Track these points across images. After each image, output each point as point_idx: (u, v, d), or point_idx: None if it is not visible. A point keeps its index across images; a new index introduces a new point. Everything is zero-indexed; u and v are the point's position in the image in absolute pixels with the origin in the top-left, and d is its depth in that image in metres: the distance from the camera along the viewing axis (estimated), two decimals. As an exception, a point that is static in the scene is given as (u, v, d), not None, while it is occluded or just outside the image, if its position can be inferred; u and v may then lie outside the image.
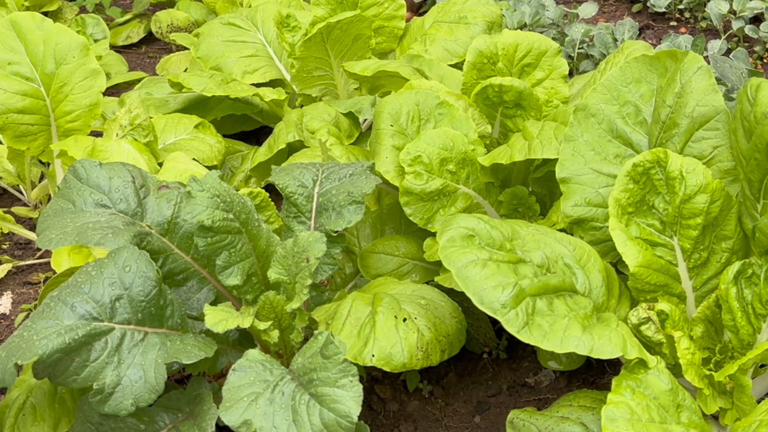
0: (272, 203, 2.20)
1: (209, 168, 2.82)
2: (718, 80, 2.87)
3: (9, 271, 2.78)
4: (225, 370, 1.94)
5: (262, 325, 1.79)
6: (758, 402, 1.76)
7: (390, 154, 2.19)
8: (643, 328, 1.76)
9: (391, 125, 2.23)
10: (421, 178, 2.10)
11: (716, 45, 3.41)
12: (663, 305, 1.76)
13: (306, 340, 1.90)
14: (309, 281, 1.79)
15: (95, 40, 3.88)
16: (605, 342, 1.58)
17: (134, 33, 4.60)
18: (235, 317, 1.73)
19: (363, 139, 2.84)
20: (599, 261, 1.81)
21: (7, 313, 2.62)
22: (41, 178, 3.06)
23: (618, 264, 1.89)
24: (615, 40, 3.43)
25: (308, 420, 1.52)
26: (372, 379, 2.21)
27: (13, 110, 2.67)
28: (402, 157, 2.11)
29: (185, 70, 3.89)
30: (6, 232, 2.85)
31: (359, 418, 1.55)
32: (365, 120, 3.05)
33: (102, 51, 3.77)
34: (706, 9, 3.72)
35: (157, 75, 4.03)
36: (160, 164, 2.65)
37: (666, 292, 1.83)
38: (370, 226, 2.41)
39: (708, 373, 1.77)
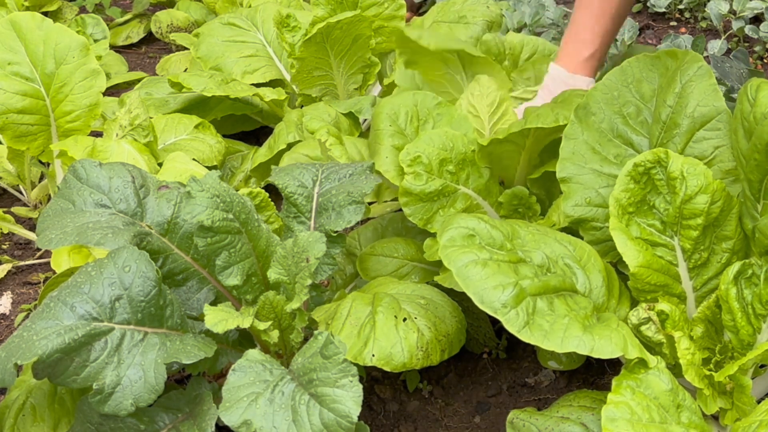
0: (272, 203, 2.20)
1: (209, 168, 2.82)
2: (719, 80, 2.87)
3: (9, 271, 2.78)
4: (225, 370, 1.94)
5: (262, 325, 1.79)
6: (758, 402, 1.76)
7: (390, 153, 2.19)
8: (643, 328, 1.76)
9: (390, 125, 2.23)
10: (420, 179, 2.10)
11: (716, 45, 3.41)
12: (663, 305, 1.76)
13: (306, 340, 1.89)
14: (309, 281, 1.79)
15: (95, 40, 3.89)
16: (605, 342, 1.58)
17: (134, 33, 4.61)
18: (235, 317, 1.73)
19: (363, 138, 2.84)
20: (599, 261, 1.81)
21: (7, 313, 2.62)
22: (41, 178, 3.06)
23: (618, 264, 1.89)
24: (615, 40, 3.43)
25: (308, 420, 1.51)
26: (372, 379, 2.21)
27: (13, 110, 2.67)
28: (401, 157, 2.11)
29: (185, 70, 3.89)
30: (6, 232, 2.85)
31: (359, 418, 1.55)
32: (365, 120, 3.05)
33: (102, 51, 3.78)
34: (706, 9, 3.72)
35: (157, 75, 4.03)
36: (160, 164, 2.65)
37: (666, 292, 1.83)
38: (371, 229, 2.41)
39: (708, 373, 1.77)
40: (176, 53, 4.15)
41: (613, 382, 1.60)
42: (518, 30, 3.75)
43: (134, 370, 1.65)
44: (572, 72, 2.29)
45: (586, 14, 2.27)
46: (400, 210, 2.19)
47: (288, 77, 3.29)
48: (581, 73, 2.28)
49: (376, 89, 3.30)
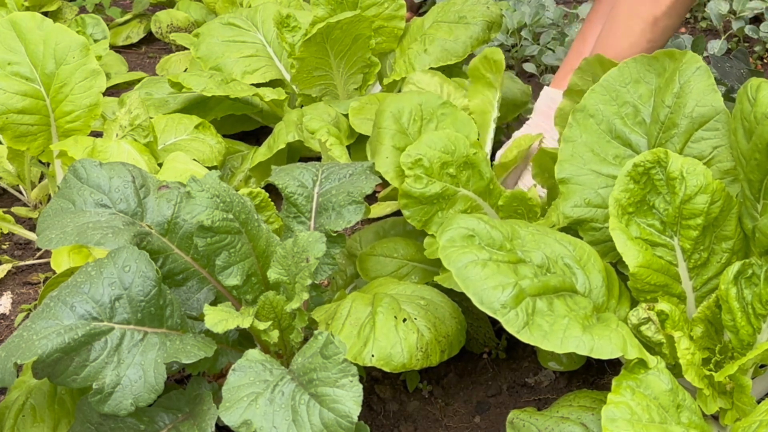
0: (272, 203, 2.20)
1: (209, 168, 2.82)
2: (718, 80, 2.87)
3: (9, 271, 2.78)
4: (225, 370, 1.94)
5: (261, 325, 1.79)
6: (758, 402, 1.76)
7: (390, 154, 2.19)
8: (643, 328, 1.76)
9: (393, 124, 2.23)
10: (421, 182, 2.09)
11: (716, 45, 3.41)
12: (663, 305, 1.76)
13: (306, 340, 1.90)
14: (309, 281, 1.79)
15: (95, 40, 3.89)
16: (605, 342, 1.58)
17: (134, 33, 4.61)
18: (235, 317, 1.73)
19: (363, 139, 2.84)
20: (599, 261, 1.81)
21: (7, 313, 2.62)
22: (41, 178, 3.06)
23: (618, 264, 1.89)
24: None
25: (308, 420, 1.52)
26: (372, 379, 2.21)
27: (13, 110, 2.67)
28: (402, 159, 2.10)
29: (185, 70, 3.89)
30: (6, 232, 2.85)
31: (359, 418, 1.55)
32: (365, 120, 3.05)
33: (102, 51, 3.77)
34: (706, 9, 3.72)
35: (157, 75, 4.03)
36: (160, 164, 2.65)
37: (666, 292, 1.83)
38: (372, 230, 2.41)
39: (708, 373, 1.77)
40: (176, 53, 4.15)
41: (613, 383, 1.60)
42: (518, 30, 3.75)
43: (134, 369, 1.65)
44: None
45: (580, 43, 2.44)
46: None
47: (288, 77, 3.29)
48: None
49: (376, 89, 3.30)
